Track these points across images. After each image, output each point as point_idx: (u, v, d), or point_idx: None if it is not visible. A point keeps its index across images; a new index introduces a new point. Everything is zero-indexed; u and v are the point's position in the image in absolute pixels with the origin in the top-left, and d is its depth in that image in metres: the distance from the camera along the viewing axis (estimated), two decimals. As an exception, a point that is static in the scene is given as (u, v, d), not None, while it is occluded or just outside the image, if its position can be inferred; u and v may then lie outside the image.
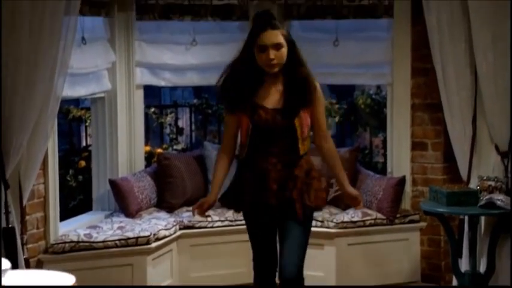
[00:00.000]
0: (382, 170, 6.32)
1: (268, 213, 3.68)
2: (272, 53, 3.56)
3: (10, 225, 3.92)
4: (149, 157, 6.30)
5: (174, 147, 7.07)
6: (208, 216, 3.86)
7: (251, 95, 3.64)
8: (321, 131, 3.75)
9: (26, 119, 3.91)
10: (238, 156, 3.76)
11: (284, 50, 3.59)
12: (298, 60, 3.67)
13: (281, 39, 3.59)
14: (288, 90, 3.65)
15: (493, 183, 4.60)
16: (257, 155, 3.66)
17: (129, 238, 4.77)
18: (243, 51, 3.63)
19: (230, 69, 3.66)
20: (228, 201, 3.79)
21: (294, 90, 3.64)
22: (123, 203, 5.15)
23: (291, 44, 3.64)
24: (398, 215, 5.29)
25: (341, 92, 8.85)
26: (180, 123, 7.98)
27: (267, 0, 5.45)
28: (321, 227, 5.15)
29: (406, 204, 5.42)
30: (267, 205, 3.64)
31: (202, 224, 5.16)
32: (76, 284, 2.85)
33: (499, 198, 4.47)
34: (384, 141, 6.57)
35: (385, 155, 6.17)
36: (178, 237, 5.10)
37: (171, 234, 5.00)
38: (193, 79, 5.64)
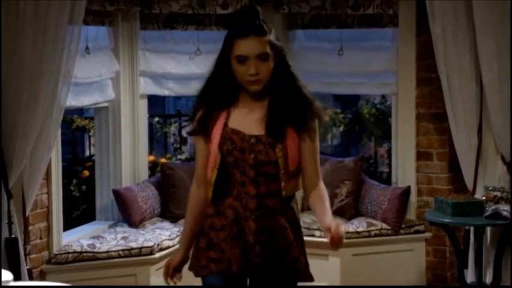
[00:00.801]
0: (387, 180, 6.29)
1: (240, 277, 2.79)
2: (254, 66, 2.70)
3: (13, 236, 3.90)
4: (153, 167, 6.28)
5: (178, 156, 7.05)
6: (179, 279, 3.01)
7: (220, 116, 2.80)
8: (313, 174, 2.82)
9: (29, 128, 3.90)
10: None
11: (270, 62, 2.74)
12: (291, 74, 2.80)
13: (267, 48, 2.72)
14: (274, 110, 2.78)
15: (498, 194, 4.57)
16: (228, 197, 2.78)
17: (132, 248, 4.75)
18: (217, 61, 2.82)
19: (203, 85, 2.90)
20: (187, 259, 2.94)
21: (281, 108, 2.78)
22: (127, 213, 5.13)
23: (279, 52, 2.78)
24: (403, 226, 5.26)
25: (346, 102, 8.83)
26: (184, 133, 7.96)
27: (270, 9, 5.44)
28: (325, 237, 5.12)
29: (411, 214, 5.39)
30: (243, 265, 2.76)
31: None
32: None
33: (505, 209, 4.44)
34: (389, 151, 6.55)
35: (390, 165, 6.15)
36: (182, 247, 5.07)
37: (174, 245, 4.98)
38: (197, 88, 5.56)
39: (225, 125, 2.79)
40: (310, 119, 2.80)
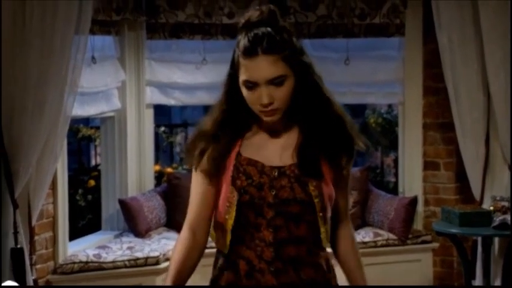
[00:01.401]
0: (393, 190, 6.27)
1: None
2: (266, 95, 2.08)
3: (19, 246, 3.89)
4: (159, 176, 6.27)
5: (184, 166, 7.04)
6: None
7: (234, 144, 2.20)
8: (343, 209, 2.29)
9: (35, 138, 3.89)
10: (217, 246, 2.32)
11: (288, 86, 2.10)
12: (318, 91, 2.18)
13: (281, 70, 2.07)
14: (307, 135, 2.19)
15: (506, 204, 4.55)
16: (239, 245, 2.20)
17: (138, 258, 4.74)
18: (226, 84, 2.21)
19: (211, 115, 2.23)
20: None
21: (315, 132, 2.18)
22: (133, 223, 5.11)
23: (303, 68, 2.14)
24: (410, 236, 5.23)
25: (352, 111, 8.81)
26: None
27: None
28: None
29: (418, 224, 5.37)
30: None
31: (213, 244, 5.11)
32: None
33: (513, 219, 4.42)
34: (396, 161, 6.53)
35: (396, 175, 6.13)
36: (188, 257, 5.05)
37: (180, 255, 4.96)
38: (203, 98, 5.61)
39: (239, 153, 2.19)
40: (350, 149, 2.21)
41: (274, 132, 2.20)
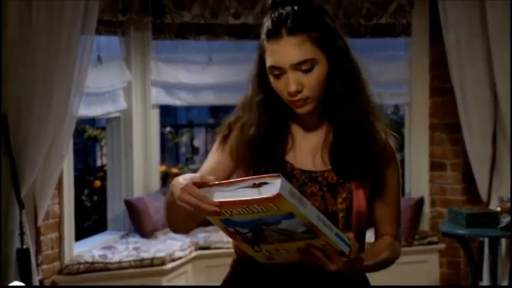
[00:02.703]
0: (400, 190, 6.25)
1: None
2: (293, 82, 1.80)
3: (25, 246, 3.88)
4: (165, 177, 6.27)
5: (190, 166, 7.04)
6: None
7: (276, 147, 1.90)
8: (385, 221, 2.00)
9: (41, 138, 3.89)
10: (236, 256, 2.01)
11: (318, 72, 1.82)
12: (352, 80, 1.90)
13: (308, 53, 1.80)
14: (341, 136, 1.89)
15: (513, 205, 4.53)
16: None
17: (144, 259, 4.73)
18: (254, 72, 1.92)
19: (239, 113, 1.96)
20: None
21: (345, 140, 1.88)
22: (138, 223, 5.11)
23: (336, 53, 1.87)
24: (416, 237, 5.21)
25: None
26: (196, 143, 7.96)
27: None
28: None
29: (425, 225, 5.35)
30: None
31: (218, 245, 5.11)
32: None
33: (520, 220, 4.40)
34: (402, 161, 6.51)
35: (403, 175, 6.11)
36: (194, 258, 5.05)
37: (186, 255, 4.96)
38: (209, 98, 5.61)
39: (279, 157, 1.90)
40: (378, 153, 1.88)
41: (308, 128, 1.91)
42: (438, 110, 5.31)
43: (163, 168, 6.42)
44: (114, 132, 5.32)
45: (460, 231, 4.54)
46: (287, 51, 1.79)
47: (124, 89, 5.21)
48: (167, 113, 8.04)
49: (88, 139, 7.17)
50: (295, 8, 1.82)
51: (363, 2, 5.25)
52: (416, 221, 5.20)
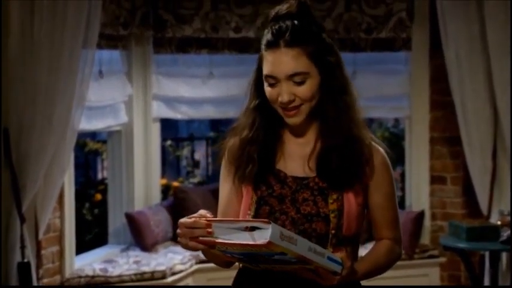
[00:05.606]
0: (400, 204, 6.24)
1: None
2: (286, 92, 1.91)
3: (25, 260, 3.89)
4: (165, 190, 6.27)
5: (191, 180, 7.04)
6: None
7: (269, 154, 2.00)
8: (383, 224, 2.04)
9: (43, 152, 3.90)
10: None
11: (310, 85, 1.92)
12: (342, 93, 1.99)
13: (302, 66, 1.90)
14: (327, 142, 1.98)
15: (514, 218, 4.53)
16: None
17: (144, 272, 4.73)
18: (252, 81, 2.05)
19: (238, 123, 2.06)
20: None
21: (331, 152, 1.97)
22: (139, 237, 5.11)
23: (328, 68, 1.96)
24: (417, 250, 5.21)
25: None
26: (197, 156, 7.97)
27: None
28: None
29: (425, 239, 5.35)
30: None
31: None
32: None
33: (521, 234, 4.40)
34: (403, 175, 6.51)
35: (403, 189, 6.11)
36: (195, 271, 5.04)
37: (187, 269, 4.95)
38: (209, 112, 5.62)
39: (270, 164, 2.00)
40: (362, 158, 1.96)
41: (298, 135, 2.00)
42: (438, 124, 5.32)
43: (164, 181, 6.42)
44: (115, 145, 5.33)
45: (461, 245, 4.54)
46: (283, 62, 1.90)
47: (125, 102, 5.23)
48: (168, 126, 8.06)
49: (89, 152, 7.18)
50: (295, 22, 1.93)
51: (364, 16, 5.27)
52: (417, 234, 5.20)
